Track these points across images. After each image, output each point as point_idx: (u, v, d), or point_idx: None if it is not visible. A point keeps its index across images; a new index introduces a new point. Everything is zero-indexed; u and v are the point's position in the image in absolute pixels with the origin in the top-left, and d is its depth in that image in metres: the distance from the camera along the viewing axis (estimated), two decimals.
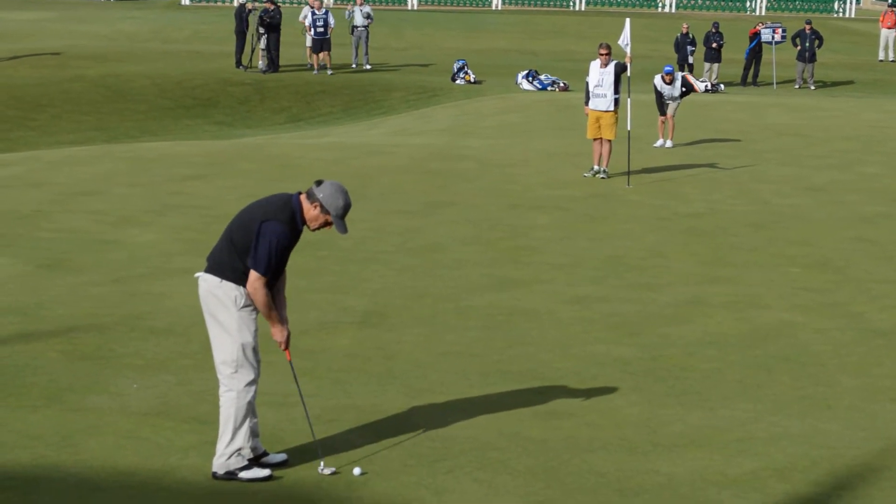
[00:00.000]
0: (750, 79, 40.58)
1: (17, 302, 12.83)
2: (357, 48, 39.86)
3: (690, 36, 39.58)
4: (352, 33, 39.70)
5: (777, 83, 40.42)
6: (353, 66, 39.72)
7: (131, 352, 11.27)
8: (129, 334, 11.80)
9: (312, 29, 38.08)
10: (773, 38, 40.31)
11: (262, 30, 37.70)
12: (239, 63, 38.45)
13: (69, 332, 11.75)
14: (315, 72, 37.95)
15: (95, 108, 33.99)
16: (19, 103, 33.61)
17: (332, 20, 38.34)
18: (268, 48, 37.89)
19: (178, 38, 46.24)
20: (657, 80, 25.40)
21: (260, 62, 38.14)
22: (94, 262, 14.68)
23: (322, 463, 8.64)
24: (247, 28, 38.42)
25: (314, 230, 8.44)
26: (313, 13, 38.18)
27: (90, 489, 8.30)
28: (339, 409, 9.87)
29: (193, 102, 35.19)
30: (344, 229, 8.34)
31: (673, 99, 25.41)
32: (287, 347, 8.57)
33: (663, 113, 25.61)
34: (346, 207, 8.32)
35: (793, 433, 9.78)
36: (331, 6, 52.33)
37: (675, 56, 39.65)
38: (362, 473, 8.59)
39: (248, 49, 38.34)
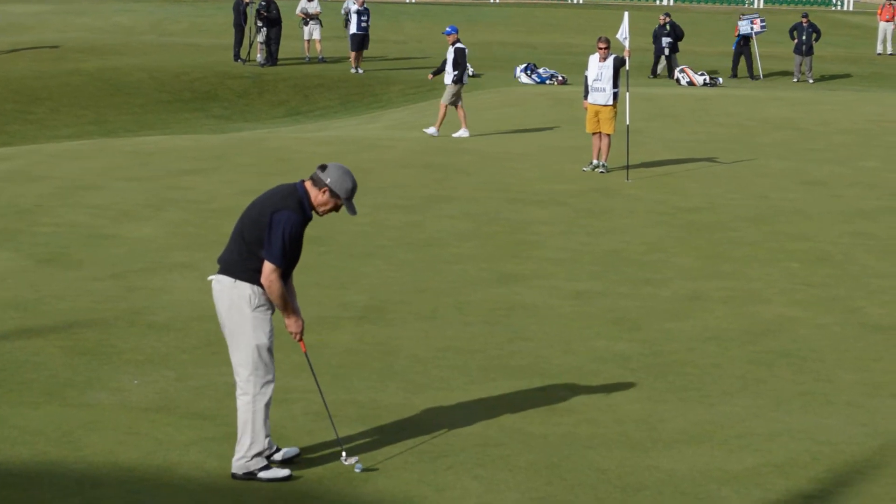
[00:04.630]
0: (745, 72, 40.47)
1: (16, 297, 12.82)
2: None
3: (667, 28, 39.59)
4: (346, 27, 39.49)
5: (769, 75, 40.39)
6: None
7: (131, 347, 11.26)
8: (129, 329, 11.79)
9: (356, 25, 37.56)
10: (751, 28, 40.29)
11: (260, 23, 37.65)
12: (237, 56, 38.41)
13: (69, 328, 11.74)
14: (356, 70, 37.48)
15: (93, 102, 33.96)
16: (17, 97, 33.58)
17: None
18: (267, 42, 37.82)
19: (175, 31, 46.17)
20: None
21: (258, 55, 38.10)
22: (93, 257, 14.67)
23: (344, 453, 8.64)
24: (245, 21, 38.37)
25: (323, 214, 8.44)
26: (357, 9, 37.70)
27: (91, 485, 8.30)
28: (339, 404, 9.86)
29: (192, 96, 35.16)
30: (354, 210, 8.37)
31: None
32: (302, 339, 8.56)
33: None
34: (355, 188, 8.35)
35: (793, 429, 9.78)
36: (328, 0, 52.26)
37: (653, 48, 39.88)
38: (363, 470, 8.58)
39: (246, 42, 38.29)
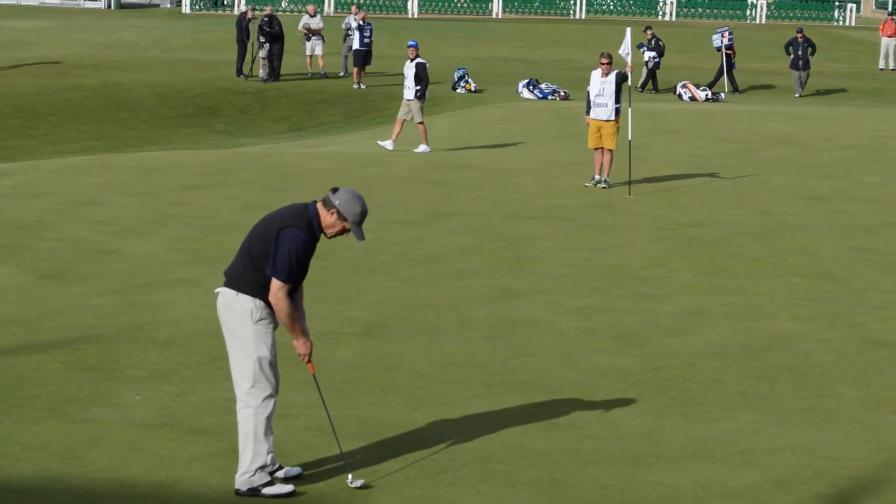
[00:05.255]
0: (732, 87, 40.42)
1: (19, 312, 12.83)
2: (348, 57, 39.70)
3: (652, 43, 39.58)
4: (344, 41, 39.53)
5: (747, 89, 40.41)
6: (342, 73, 39.64)
7: (134, 363, 11.27)
8: (132, 345, 11.80)
9: (358, 41, 37.46)
10: (721, 42, 40.37)
11: (262, 39, 37.73)
12: (240, 72, 38.48)
13: (72, 343, 11.75)
14: (359, 86, 37.44)
15: (96, 118, 34.01)
16: (20, 112, 33.64)
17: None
18: (270, 57, 37.89)
19: (178, 47, 46.25)
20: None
21: (261, 71, 38.17)
22: (95, 273, 14.68)
23: (350, 475, 8.63)
24: (247, 37, 38.45)
25: (331, 237, 8.45)
26: (359, 24, 37.67)
27: (93, 501, 8.30)
28: (342, 420, 9.86)
29: (194, 111, 35.21)
30: (361, 236, 8.38)
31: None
32: (310, 360, 8.55)
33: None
34: (364, 214, 8.35)
35: (795, 444, 9.78)
36: (330, 16, 52.35)
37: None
38: (364, 486, 8.58)
39: (248, 58, 38.36)
